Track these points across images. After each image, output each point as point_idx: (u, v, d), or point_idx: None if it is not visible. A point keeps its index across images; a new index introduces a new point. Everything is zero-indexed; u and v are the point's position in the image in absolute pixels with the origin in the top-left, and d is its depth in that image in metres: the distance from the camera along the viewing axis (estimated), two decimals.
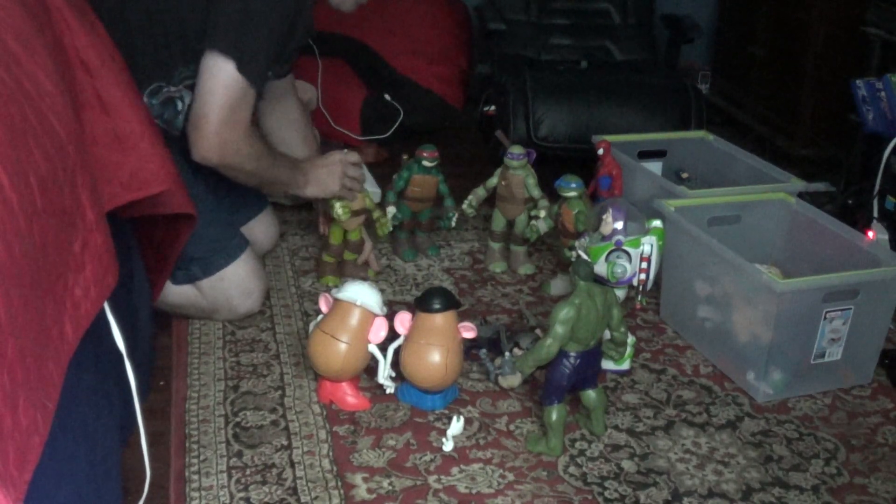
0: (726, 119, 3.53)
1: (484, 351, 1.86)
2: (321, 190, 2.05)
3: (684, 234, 1.95)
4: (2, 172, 0.92)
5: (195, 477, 1.51)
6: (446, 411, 1.71)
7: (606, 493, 1.51)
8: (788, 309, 1.73)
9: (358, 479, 1.52)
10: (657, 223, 1.93)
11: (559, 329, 1.52)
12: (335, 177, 2.04)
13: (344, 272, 2.19)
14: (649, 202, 2.05)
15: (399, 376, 1.73)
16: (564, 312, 1.52)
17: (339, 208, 2.06)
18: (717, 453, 1.63)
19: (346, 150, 2.18)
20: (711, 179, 2.42)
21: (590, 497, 1.50)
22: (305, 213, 2.51)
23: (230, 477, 1.51)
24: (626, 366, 1.86)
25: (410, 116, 3.14)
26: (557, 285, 2.19)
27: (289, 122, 2.24)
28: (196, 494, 1.47)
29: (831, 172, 2.83)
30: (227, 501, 1.46)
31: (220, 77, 1.76)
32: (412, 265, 2.31)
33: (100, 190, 1.29)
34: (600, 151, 2.35)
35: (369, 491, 1.49)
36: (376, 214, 2.17)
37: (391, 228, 2.20)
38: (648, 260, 1.91)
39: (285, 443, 1.61)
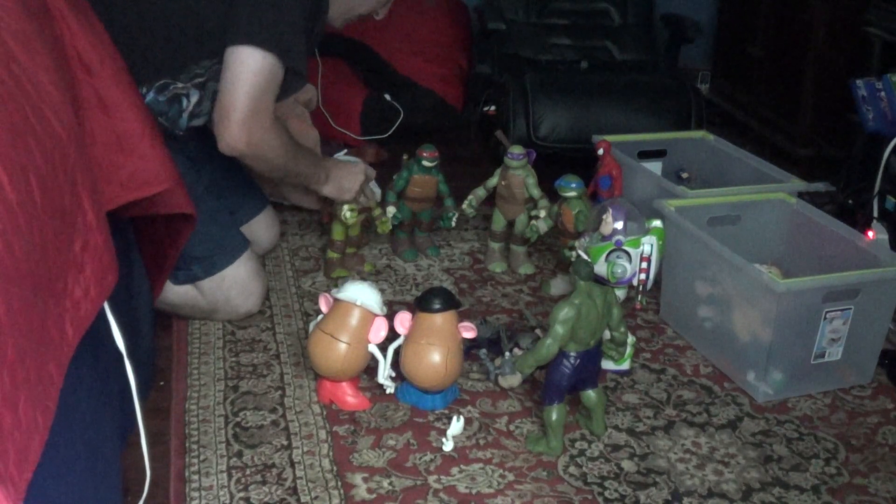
0: (726, 119, 3.53)
1: (484, 351, 1.86)
2: (338, 192, 2.08)
3: (684, 234, 1.95)
4: (2, 172, 0.92)
5: (195, 477, 1.51)
6: (446, 411, 1.71)
7: (606, 493, 1.51)
8: (788, 309, 1.73)
9: (358, 479, 1.52)
10: (657, 223, 1.93)
11: (559, 329, 1.52)
12: (355, 185, 2.08)
13: (344, 265, 2.21)
14: (649, 202, 2.05)
15: (399, 376, 1.73)
16: (564, 312, 1.52)
17: (346, 211, 2.12)
18: (717, 453, 1.63)
19: (361, 162, 2.19)
20: (711, 179, 2.42)
21: (590, 497, 1.50)
22: (305, 214, 2.51)
23: (230, 477, 1.51)
24: (626, 366, 1.86)
25: (410, 116, 3.14)
26: (557, 285, 2.19)
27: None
28: (196, 494, 1.47)
29: (831, 172, 2.83)
30: (227, 501, 1.46)
31: (248, 67, 1.77)
32: (412, 265, 2.31)
33: (100, 190, 1.29)
34: (600, 151, 2.35)
35: (369, 491, 1.49)
36: (376, 212, 2.21)
37: (391, 227, 2.23)
38: (648, 260, 1.91)
39: (285, 443, 1.61)
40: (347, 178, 2.07)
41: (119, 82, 1.44)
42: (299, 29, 1.82)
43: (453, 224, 2.30)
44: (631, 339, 1.82)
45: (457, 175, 2.57)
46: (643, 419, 1.72)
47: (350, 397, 1.71)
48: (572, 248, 2.05)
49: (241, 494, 1.48)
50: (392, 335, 1.71)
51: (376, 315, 1.69)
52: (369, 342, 1.69)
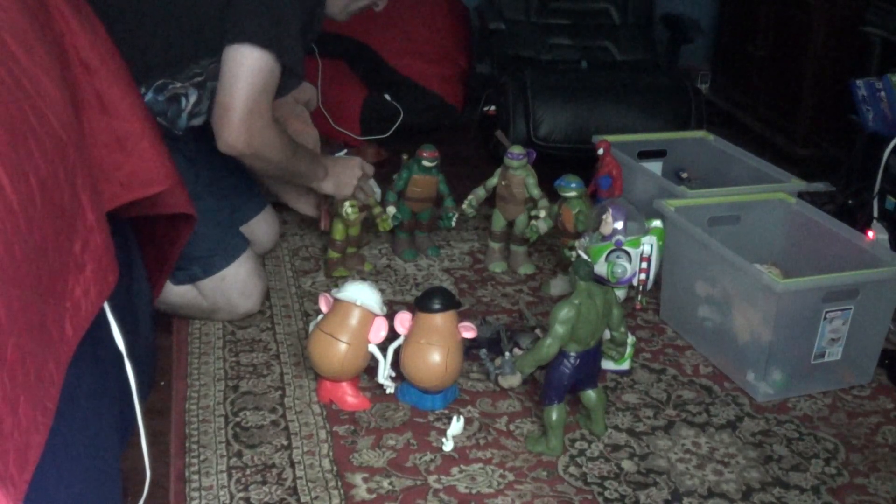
0: (726, 119, 3.53)
1: (484, 351, 1.86)
2: (337, 188, 2.09)
3: (684, 234, 1.95)
4: (2, 172, 0.92)
5: (195, 477, 1.51)
6: (446, 411, 1.71)
7: (606, 493, 1.51)
8: (788, 309, 1.73)
9: (358, 479, 1.52)
10: (657, 223, 1.93)
11: (559, 329, 1.52)
12: (353, 179, 2.09)
13: (345, 265, 2.22)
14: (649, 202, 2.05)
15: (399, 376, 1.73)
16: (564, 312, 1.52)
17: (347, 207, 2.14)
18: (717, 453, 1.63)
19: (357, 157, 2.20)
20: (711, 179, 2.42)
21: (590, 497, 1.50)
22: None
23: (230, 477, 1.51)
24: (626, 366, 1.86)
25: (410, 116, 3.14)
26: (557, 285, 2.19)
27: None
28: (196, 494, 1.47)
29: (831, 172, 2.83)
30: (227, 501, 1.46)
31: (246, 66, 1.76)
32: (412, 265, 2.31)
33: (100, 190, 1.30)
34: (600, 151, 2.35)
35: (369, 491, 1.49)
36: (377, 210, 2.22)
37: (391, 224, 2.23)
38: (648, 260, 1.91)
39: (285, 443, 1.61)
40: (344, 172, 2.08)
41: (119, 82, 1.45)
42: (296, 28, 1.82)
43: (453, 224, 2.30)
44: (631, 339, 1.82)
45: (457, 175, 2.57)
46: (643, 419, 1.72)
47: (350, 397, 1.71)
48: (572, 248, 2.05)
49: (241, 494, 1.48)
50: (392, 335, 1.71)
51: (376, 315, 1.69)
52: (369, 342, 1.69)
